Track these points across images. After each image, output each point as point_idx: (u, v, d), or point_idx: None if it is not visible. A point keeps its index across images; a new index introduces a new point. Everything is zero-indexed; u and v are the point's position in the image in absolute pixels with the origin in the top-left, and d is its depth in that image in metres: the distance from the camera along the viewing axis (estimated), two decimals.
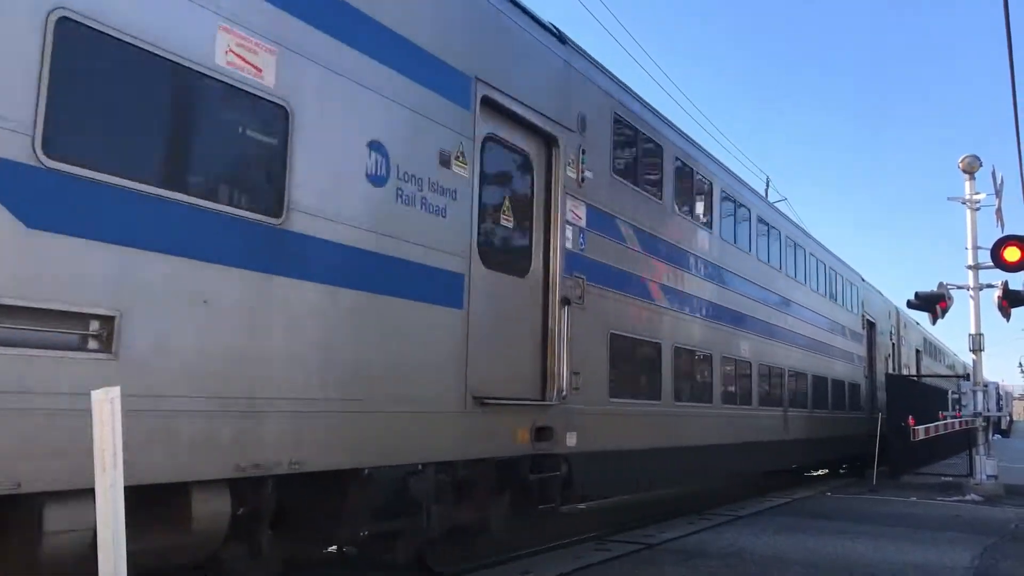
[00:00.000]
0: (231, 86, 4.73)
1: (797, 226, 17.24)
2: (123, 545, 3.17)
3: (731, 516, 11.56)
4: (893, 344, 26.79)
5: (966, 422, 16.70)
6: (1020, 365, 63.61)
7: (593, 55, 9.06)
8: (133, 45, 4.22)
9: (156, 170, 4.38)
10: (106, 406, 3.18)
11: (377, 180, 5.77)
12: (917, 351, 32.29)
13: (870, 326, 22.85)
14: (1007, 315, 17.37)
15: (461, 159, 6.66)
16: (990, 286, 16.92)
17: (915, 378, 25.58)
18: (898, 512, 12.81)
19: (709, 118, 45.42)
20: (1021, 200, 25.71)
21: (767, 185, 32.08)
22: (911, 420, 16.74)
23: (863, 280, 22.46)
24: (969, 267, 16.95)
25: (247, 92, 4.83)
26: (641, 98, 10.13)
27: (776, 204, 17.52)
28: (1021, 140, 15.78)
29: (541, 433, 7.48)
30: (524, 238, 7.69)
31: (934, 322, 18.29)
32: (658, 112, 10.60)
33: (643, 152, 10.08)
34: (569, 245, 8.08)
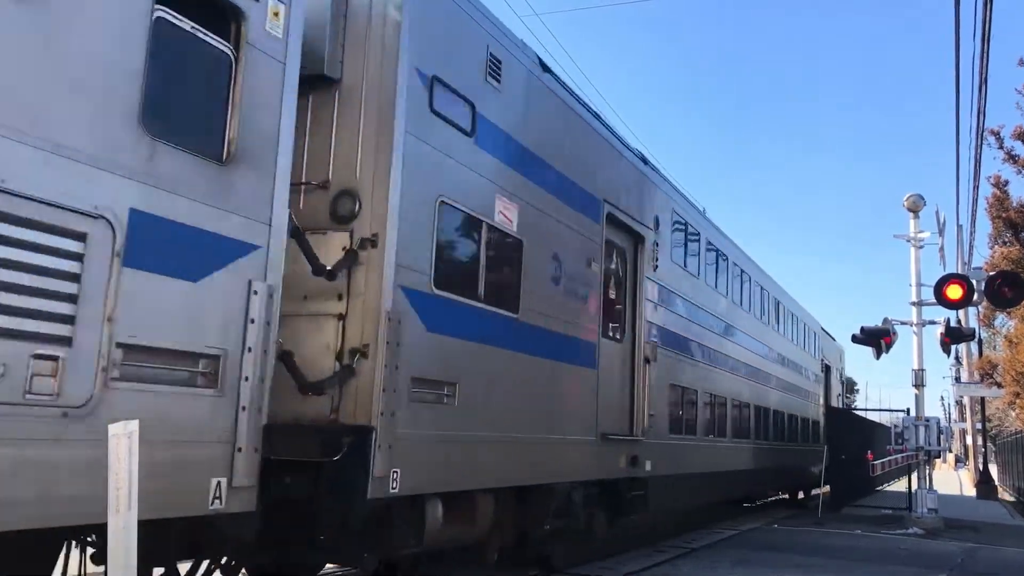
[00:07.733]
0: (500, 231, 7.23)
1: (777, 284, 20.16)
2: None
3: (685, 548, 11.56)
4: (843, 383, 30.14)
5: (912, 456, 17.12)
6: (942, 399, 67.95)
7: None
8: (473, 216, 6.76)
9: (471, 291, 6.86)
10: (123, 441, 2.84)
11: (556, 281, 8.28)
12: None
13: (826, 369, 25.97)
14: (948, 351, 18.04)
15: (595, 260, 9.22)
16: (933, 322, 17.41)
17: (855, 411, 27.57)
18: (847, 545, 12.94)
19: (646, 144, 48.11)
20: (955, 240, 27.32)
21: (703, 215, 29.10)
22: (870, 455, 17.69)
23: (822, 329, 25.60)
24: (913, 303, 17.42)
25: (505, 233, 7.33)
26: (687, 196, 12.85)
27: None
28: (960, 185, 18.37)
29: (633, 460, 10.01)
30: (622, 313, 10.25)
31: (878, 356, 18.32)
32: (695, 204, 13.33)
33: (688, 239, 12.77)
34: (648, 317, 10.68)
